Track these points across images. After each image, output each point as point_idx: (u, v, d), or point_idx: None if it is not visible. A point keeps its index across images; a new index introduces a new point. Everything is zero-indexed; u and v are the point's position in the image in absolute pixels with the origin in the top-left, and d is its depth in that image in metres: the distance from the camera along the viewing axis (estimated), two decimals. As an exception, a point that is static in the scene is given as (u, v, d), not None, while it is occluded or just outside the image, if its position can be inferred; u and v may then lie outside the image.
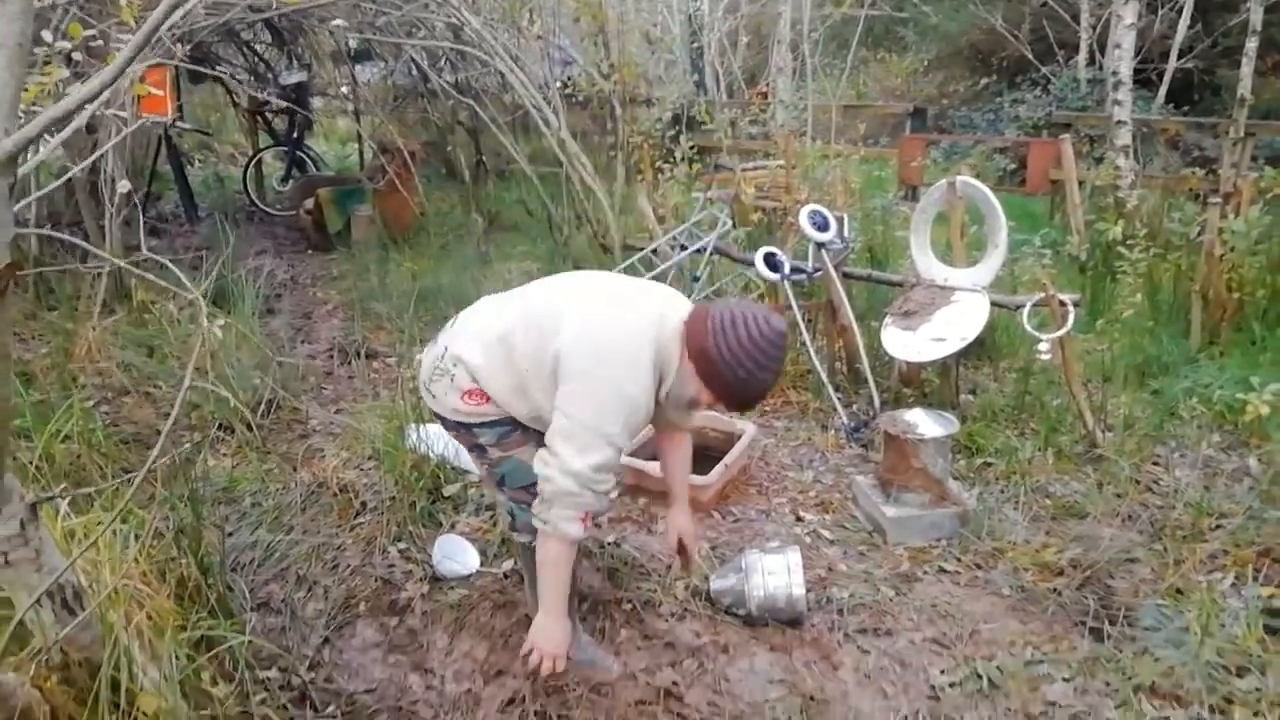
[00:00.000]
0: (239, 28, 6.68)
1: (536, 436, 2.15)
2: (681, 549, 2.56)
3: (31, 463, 2.73)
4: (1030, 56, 11.74)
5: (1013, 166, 9.15)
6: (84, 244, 2.34)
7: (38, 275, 5.13)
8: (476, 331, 2.15)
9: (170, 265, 1.87)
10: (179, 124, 7.70)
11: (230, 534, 3.00)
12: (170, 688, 1.81)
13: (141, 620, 1.94)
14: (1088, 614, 2.64)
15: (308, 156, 8.72)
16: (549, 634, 2.13)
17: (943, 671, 2.43)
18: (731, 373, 1.90)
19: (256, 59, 8.56)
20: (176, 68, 6.64)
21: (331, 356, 4.91)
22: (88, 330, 4.29)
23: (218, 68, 7.57)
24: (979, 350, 4.39)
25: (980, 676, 2.39)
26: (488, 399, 2.14)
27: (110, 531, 2.10)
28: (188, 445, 3.47)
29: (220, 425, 3.79)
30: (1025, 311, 3.55)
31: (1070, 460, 3.54)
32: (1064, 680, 2.38)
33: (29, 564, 1.64)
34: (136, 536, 2.16)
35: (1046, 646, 2.52)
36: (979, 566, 2.94)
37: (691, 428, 2.54)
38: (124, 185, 3.38)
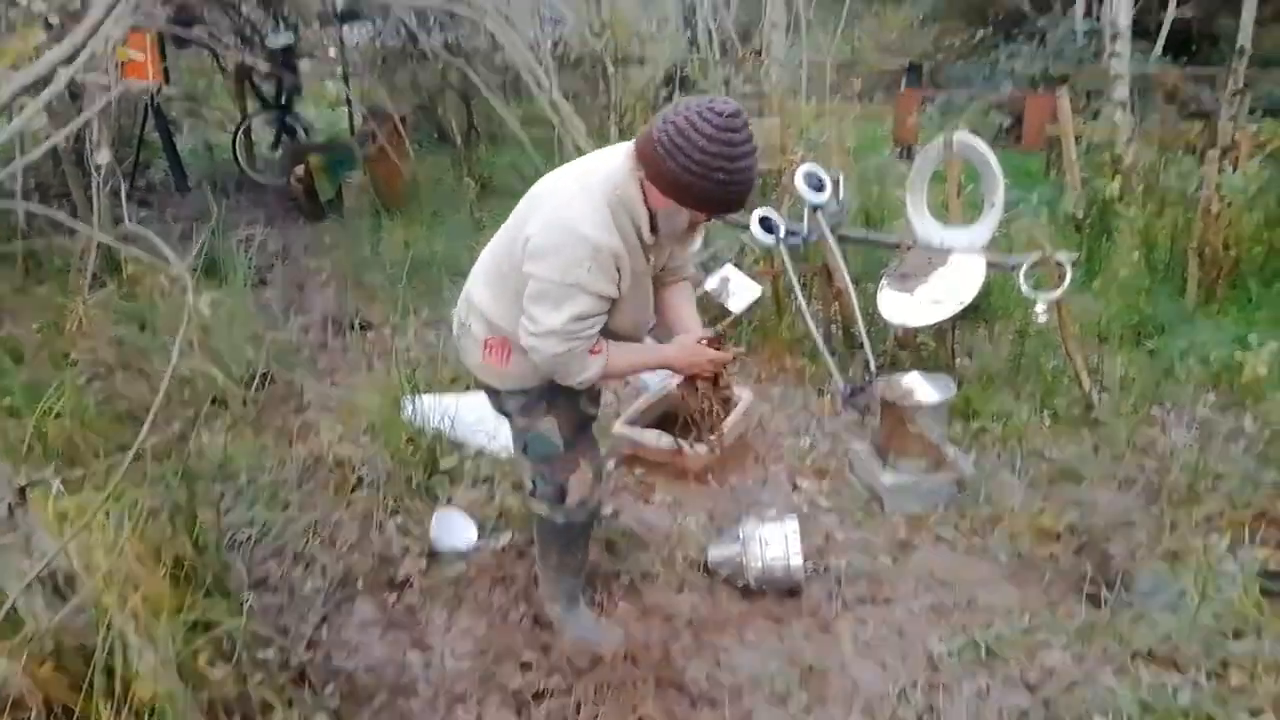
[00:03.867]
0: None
1: (561, 406, 2.19)
2: (713, 345, 2.15)
3: (23, 441, 2.71)
4: (1026, 8, 11.56)
5: (1008, 122, 9.05)
6: (66, 219, 2.29)
7: (27, 251, 5.07)
8: (478, 270, 2.20)
9: (155, 238, 1.83)
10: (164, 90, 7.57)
11: (226, 511, 2.98)
12: (167, 671, 1.80)
13: (136, 603, 1.92)
14: (1085, 579, 2.65)
15: (297, 123, 8.59)
16: (680, 358, 2.13)
17: (941, 640, 2.45)
18: (709, 182, 1.76)
19: (242, 21, 8.38)
20: (160, 32, 6.52)
21: (325, 328, 4.85)
22: (78, 304, 4.23)
23: (202, 31, 7.43)
24: (974, 312, 4.36)
25: (978, 645, 2.40)
26: (507, 354, 2.12)
27: (103, 512, 2.08)
28: (180, 422, 3.45)
29: (214, 400, 3.76)
30: (1022, 272, 3.52)
31: (1066, 423, 3.53)
32: (1061, 648, 2.39)
33: (18, 550, 1.62)
34: (131, 517, 2.15)
35: (1044, 613, 2.54)
36: (976, 533, 2.94)
37: (692, 255, 2.29)
38: (102, 156, 3.28)
